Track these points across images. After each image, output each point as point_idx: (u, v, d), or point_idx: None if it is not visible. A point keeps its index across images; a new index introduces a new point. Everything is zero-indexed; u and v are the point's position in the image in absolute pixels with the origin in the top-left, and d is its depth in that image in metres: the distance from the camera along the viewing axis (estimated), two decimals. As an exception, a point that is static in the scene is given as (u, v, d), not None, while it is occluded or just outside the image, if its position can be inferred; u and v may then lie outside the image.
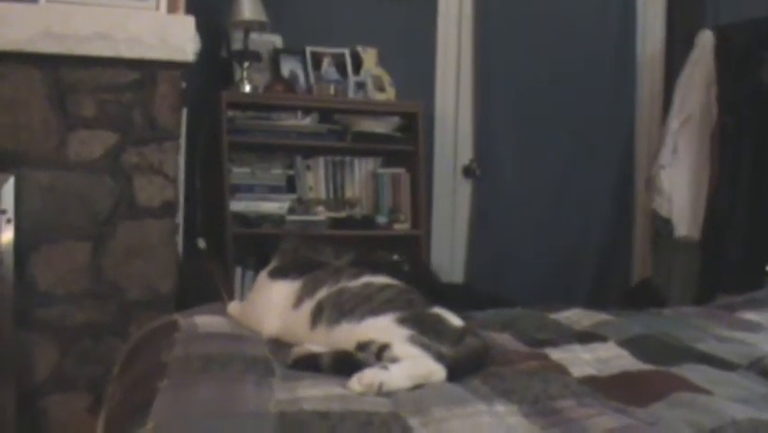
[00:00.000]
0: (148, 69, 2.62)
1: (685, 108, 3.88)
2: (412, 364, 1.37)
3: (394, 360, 1.37)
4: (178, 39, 2.58)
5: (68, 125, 2.58)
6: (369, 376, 1.33)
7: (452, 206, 4.22)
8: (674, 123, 3.89)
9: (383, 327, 1.45)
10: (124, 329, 2.61)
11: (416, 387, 1.34)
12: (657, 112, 4.48)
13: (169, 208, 2.69)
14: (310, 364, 1.44)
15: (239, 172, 3.66)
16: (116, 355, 1.86)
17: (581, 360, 1.63)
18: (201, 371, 1.41)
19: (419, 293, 1.62)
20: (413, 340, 1.41)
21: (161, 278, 2.68)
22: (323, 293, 1.62)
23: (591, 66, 4.40)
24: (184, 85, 2.79)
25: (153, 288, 2.66)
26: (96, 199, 2.61)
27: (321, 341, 1.52)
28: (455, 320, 1.55)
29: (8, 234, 2.52)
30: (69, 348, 2.60)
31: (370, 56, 3.95)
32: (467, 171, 4.21)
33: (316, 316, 1.58)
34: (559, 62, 4.33)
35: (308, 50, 3.87)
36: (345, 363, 1.39)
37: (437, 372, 1.38)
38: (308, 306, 1.62)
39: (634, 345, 1.73)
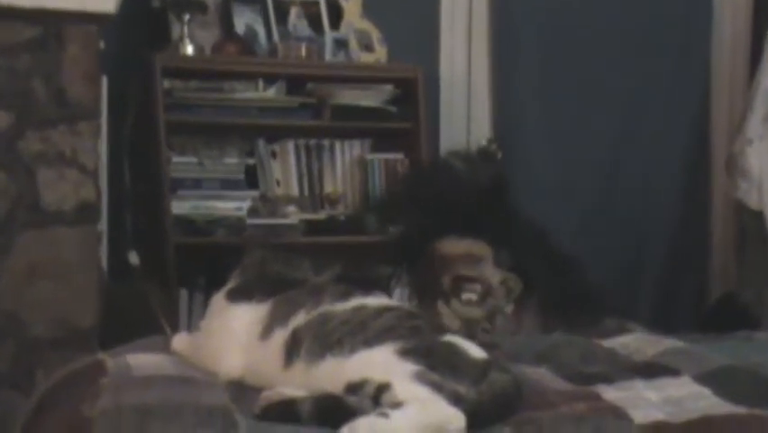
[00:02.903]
0: (52, 24, 2.62)
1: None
2: (420, 410, 1.37)
3: (396, 404, 1.38)
4: (94, -17, 2.60)
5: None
6: (363, 427, 1.33)
7: (467, 201, 4.23)
8: (767, 80, 3.89)
9: (381, 362, 1.46)
10: (28, 377, 2.60)
11: (427, 440, 1.35)
12: (742, 65, 4.50)
13: (87, 212, 2.70)
14: (285, 414, 1.44)
15: (181, 162, 3.67)
16: (17, 414, 1.86)
17: (646, 400, 1.64)
18: (137, 429, 1.41)
19: (428, 318, 1.63)
20: (420, 377, 1.42)
21: (79, 306, 2.68)
22: (299, 320, 1.62)
23: (652, 7, 4.41)
24: (102, 45, 2.79)
25: (68, 320, 2.67)
26: (-18, 202, 2.62)
27: (298, 382, 1.53)
28: (476, 351, 1.56)
29: None
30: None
31: (352, 5, 3.96)
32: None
33: (292, 349, 1.58)
34: (607, 7, 4.34)
35: (270, -4, 3.89)
36: (332, 411, 1.40)
37: (454, 418, 1.39)
38: (280, 337, 1.62)
39: (717, 380, 1.74)
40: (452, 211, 3.43)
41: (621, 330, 3.24)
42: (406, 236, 3.55)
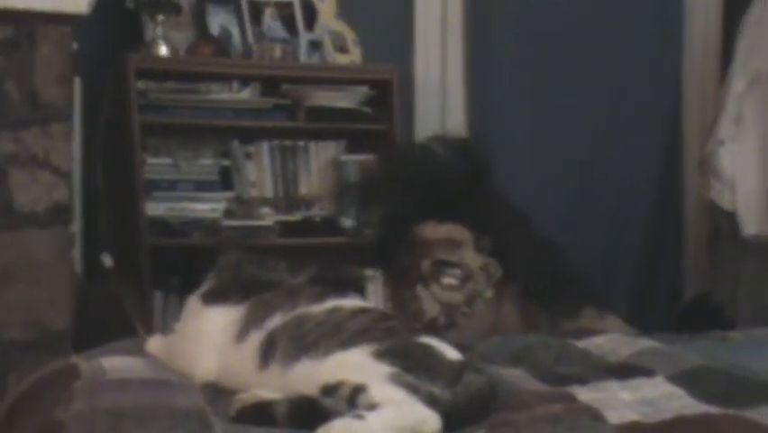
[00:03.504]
0: (24, 24, 2.61)
1: (753, 62, 3.89)
2: (396, 412, 1.37)
3: (372, 406, 1.38)
4: (67, -18, 2.59)
5: None
6: (338, 429, 1.33)
7: (443, 202, 4.24)
8: (738, 82, 3.91)
9: (356, 364, 1.46)
10: (0, 381, 2.58)
11: (403, 441, 1.35)
12: (713, 68, 4.52)
13: (60, 214, 2.68)
14: (260, 416, 1.44)
15: (156, 164, 3.66)
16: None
17: (620, 401, 1.64)
18: (111, 431, 1.41)
19: (403, 319, 1.63)
20: (396, 379, 1.42)
21: (52, 308, 2.67)
22: (275, 322, 1.62)
23: (624, 7, 4.43)
24: (75, 46, 2.77)
25: (41, 322, 2.65)
26: (-47, 204, 2.61)
27: (274, 384, 1.53)
28: (451, 353, 1.56)
29: None
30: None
31: (327, 6, 3.96)
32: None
33: (267, 351, 1.58)
34: (582, 5, 4.35)
35: (244, -3, 3.88)
36: (307, 413, 1.40)
37: (429, 420, 1.39)
38: (256, 339, 1.62)
39: (691, 380, 1.75)
40: (432, 195, 3.43)
41: (600, 318, 3.27)
42: (386, 220, 3.54)
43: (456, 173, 3.52)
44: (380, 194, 3.60)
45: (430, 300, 3.34)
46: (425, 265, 3.37)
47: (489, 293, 3.41)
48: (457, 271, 3.36)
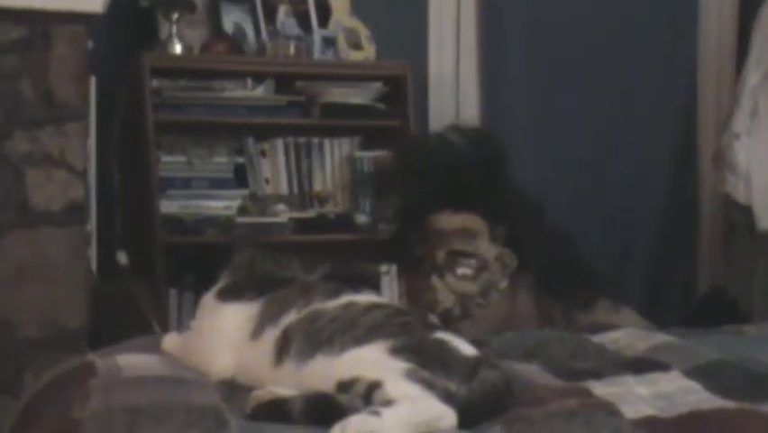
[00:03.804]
0: (39, 24, 2.61)
1: (768, 57, 3.90)
2: (411, 408, 1.37)
3: (387, 402, 1.38)
4: (82, -18, 2.59)
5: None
6: (355, 425, 1.33)
7: (457, 198, 4.24)
8: (752, 76, 3.90)
9: (372, 360, 1.46)
10: (16, 380, 2.59)
11: (418, 438, 1.35)
12: (728, 61, 4.51)
13: (76, 213, 2.69)
14: (276, 413, 1.44)
15: (170, 162, 3.66)
16: (5, 417, 1.86)
17: (636, 396, 1.64)
18: (128, 429, 1.41)
19: (418, 315, 1.63)
20: (411, 375, 1.42)
21: (68, 307, 2.67)
22: (290, 318, 1.63)
23: (638, 1, 4.42)
24: (90, 45, 2.78)
25: (57, 321, 2.66)
26: (-30, 203, 2.61)
27: (289, 381, 1.53)
28: (466, 348, 1.56)
29: None
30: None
31: (340, 3, 3.96)
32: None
33: (283, 348, 1.58)
34: (594, 1, 4.34)
35: (258, -5, 3.88)
36: (323, 410, 1.40)
37: (445, 416, 1.39)
38: (271, 335, 1.62)
39: (707, 374, 1.75)
40: (447, 185, 3.40)
41: (615, 311, 3.25)
42: (401, 210, 3.52)
43: (471, 163, 3.49)
44: (395, 184, 3.58)
45: (445, 291, 3.31)
46: (440, 255, 3.34)
47: (503, 283, 3.38)
48: (472, 262, 3.34)
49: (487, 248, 3.35)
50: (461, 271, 3.32)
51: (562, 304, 3.43)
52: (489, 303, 3.35)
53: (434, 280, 3.33)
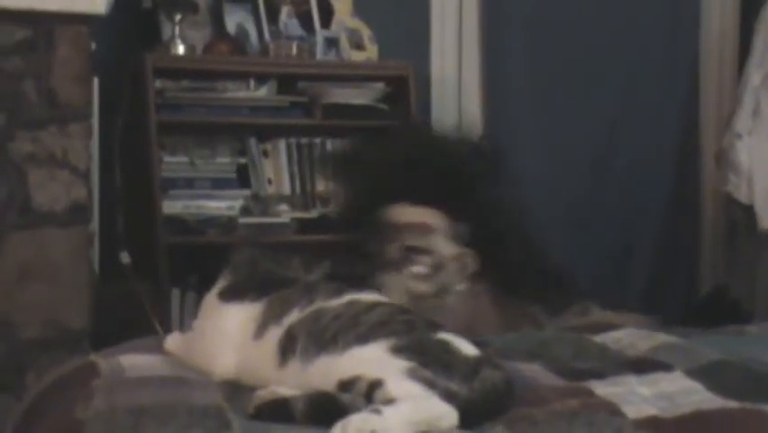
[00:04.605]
0: (42, 25, 2.61)
1: (771, 56, 3.90)
2: (413, 407, 1.37)
3: (389, 401, 1.38)
4: (84, -17, 2.60)
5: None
6: (356, 424, 1.33)
7: (459, 198, 4.23)
8: (755, 76, 3.90)
9: (374, 359, 1.46)
10: (19, 380, 2.59)
11: (419, 437, 1.35)
12: (730, 61, 4.51)
13: (78, 213, 2.69)
14: (279, 412, 1.44)
15: (173, 162, 3.67)
16: (8, 417, 1.85)
17: (638, 396, 1.64)
18: (131, 430, 1.41)
19: (420, 314, 1.63)
20: (413, 374, 1.42)
21: (70, 307, 2.67)
22: (293, 318, 1.62)
23: (641, 1, 4.42)
24: (93, 46, 2.78)
25: (59, 321, 2.66)
26: (-28, 203, 2.61)
27: (292, 381, 1.53)
28: (468, 348, 1.56)
29: None
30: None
31: (343, 3, 3.96)
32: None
33: (286, 348, 1.58)
34: (594, 1, 4.34)
35: (261, -4, 3.88)
36: (325, 409, 1.40)
37: (446, 415, 1.39)
38: (274, 335, 1.62)
39: (709, 375, 1.74)
40: (411, 176, 3.15)
41: (584, 314, 3.13)
42: (355, 200, 3.31)
43: (442, 157, 3.28)
44: (355, 166, 3.36)
45: (396, 289, 3.06)
46: (392, 250, 3.03)
47: (461, 286, 3.09)
48: (427, 259, 3.12)
49: (444, 246, 3.05)
50: (414, 269, 3.07)
51: (530, 309, 3.22)
52: (445, 306, 3.11)
53: (385, 276, 3.03)
